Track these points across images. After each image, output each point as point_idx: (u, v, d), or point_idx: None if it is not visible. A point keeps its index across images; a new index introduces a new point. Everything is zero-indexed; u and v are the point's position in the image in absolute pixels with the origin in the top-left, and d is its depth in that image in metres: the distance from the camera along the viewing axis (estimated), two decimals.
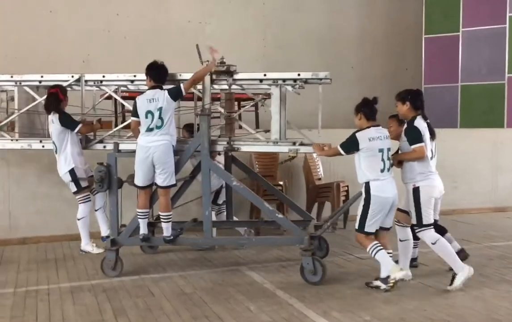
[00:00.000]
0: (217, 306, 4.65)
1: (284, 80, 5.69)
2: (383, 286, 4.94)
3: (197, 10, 10.83)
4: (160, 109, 5.35)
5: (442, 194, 5.27)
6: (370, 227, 4.97)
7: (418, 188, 5.07)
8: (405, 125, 5.19)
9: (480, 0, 11.54)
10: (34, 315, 4.51)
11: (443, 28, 12.00)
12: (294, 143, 5.66)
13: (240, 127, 6.14)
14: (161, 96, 5.39)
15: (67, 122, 5.83)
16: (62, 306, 4.71)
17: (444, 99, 11.72)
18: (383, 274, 4.95)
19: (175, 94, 5.47)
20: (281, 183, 7.44)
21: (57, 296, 4.96)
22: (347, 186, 7.75)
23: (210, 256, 6.36)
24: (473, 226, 8.24)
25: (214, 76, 5.70)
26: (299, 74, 5.65)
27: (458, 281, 4.95)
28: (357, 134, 5.05)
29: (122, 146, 5.78)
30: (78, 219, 6.11)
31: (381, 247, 4.95)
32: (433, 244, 5.07)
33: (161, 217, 5.59)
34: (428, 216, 5.06)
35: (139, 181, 5.50)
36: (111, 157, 5.64)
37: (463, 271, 4.95)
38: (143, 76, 5.72)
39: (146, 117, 5.37)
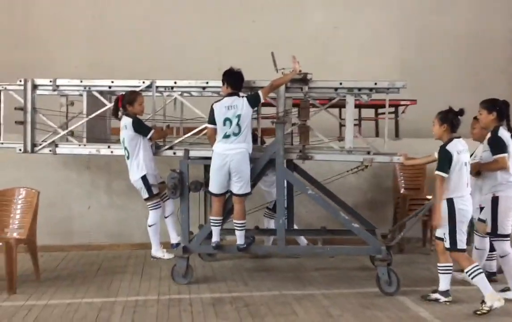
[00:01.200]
0: None
1: (359, 89, 5.77)
2: (442, 299, 4.89)
3: (331, 15, 10.43)
4: (238, 116, 5.23)
5: None
6: (462, 242, 4.78)
7: (497, 197, 5.06)
8: (489, 135, 5.16)
9: None
10: None
11: None
12: (368, 153, 5.61)
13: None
14: (240, 103, 5.27)
15: (140, 128, 5.64)
16: (205, 318, 4.56)
17: None
18: (443, 287, 4.92)
19: (254, 101, 5.36)
20: (429, 197, 6.77)
21: (199, 308, 4.82)
22: None
23: (353, 274, 5.92)
24: None
25: (289, 84, 5.61)
26: (375, 83, 5.79)
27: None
28: (447, 147, 4.84)
29: (192, 153, 5.70)
30: (149, 226, 5.82)
31: (482, 270, 4.77)
32: (501, 257, 5.06)
33: (235, 224, 5.48)
34: (505, 227, 5.04)
35: (214, 188, 5.36)
36: (183, 164, 5.57)
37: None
38: (217, 82, 5.68)
39: (224, 124, 5.26)
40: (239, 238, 5.48)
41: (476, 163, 5.22)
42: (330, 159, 5.94)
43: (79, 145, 6.02)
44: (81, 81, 6.03)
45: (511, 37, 11.01)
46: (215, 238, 5.47)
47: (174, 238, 5.95)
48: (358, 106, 8.91)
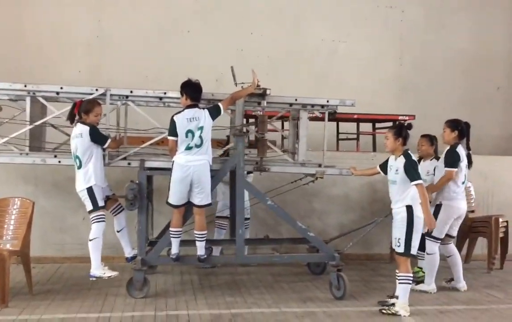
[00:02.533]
0: None
1: (312, 105, 5.96)
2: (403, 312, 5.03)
3: (332, 30, 10.41)
4: (201, 128, 5.23)
5: (463, 216, 5.94)
6: (414, 249, 5.07)
7: (441, 205, 5.76)
8: (448, 148, 5.81)
9: None
10: None
11: None
12: (320, 165, 5.85)
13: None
14: (202, 115, 5.27)
15: (98, 137, 5.32)
16: None
17: None
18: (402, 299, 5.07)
19: (215, 113, 5.36)
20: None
21: None
22: (507, 222, 6.82)
23: (352, 290, 5.80)
24: None
25: (247, 98, 5.65)
26: (328, 101, 6.04)
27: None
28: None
29: (148, 164, 5.57)
30: (90, 240, 5.38)
31: (411, 282, 5.19)
32: (428, 254, 5.78)
33: (196, 235, 5.44)
34: (441, 232, 5.73)
35: (174, 199, 5.30)
36: (141, 175, 5.45)
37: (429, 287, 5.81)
38: (174, 93, 5.65)
39: (186, 136, 5.22)
40: (200, 249, 5.45)
41: (430, 186, 5.80)
42: (284, 171, 6.07)
43: (21, 154, 5.59)
44: (25, 86, 5.63)
45: (507, 55, 11.07)
46: (174, 250, 5.40)
47: (129, 252, 5.72)
48: (357, 120, 8.95)
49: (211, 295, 5.60)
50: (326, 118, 6.16)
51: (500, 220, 6.71)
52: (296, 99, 5.88)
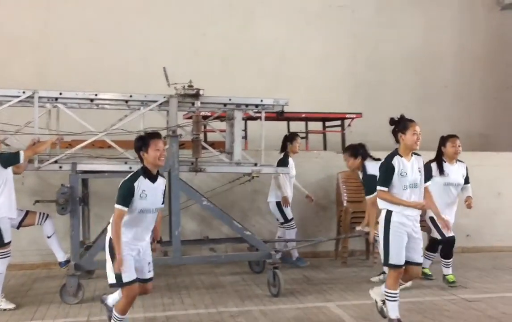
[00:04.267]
0: None
1: (246, 105, 5.96)
2: None
3: (285, 28, 10.47)
4: None
5: None
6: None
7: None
8: (361, 175, 5.94)
9: None
10: None
11: None
12: (255, 165, 5.89)
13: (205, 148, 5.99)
14: None
15: (8, 160, 5.01)
16: None
17: None
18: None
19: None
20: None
21: None
22: None
23: (293, 288, 5.83)
24: None
25: (180, 99, 5.65)
26: (261, 100, 6.00)
27: None
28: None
29: (81, 167, 5.42)
30: None
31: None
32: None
33: None
34: None
35: None
36: (74, 178, 5.33)
37: None
38: (105, 95, 5.63)
39: None
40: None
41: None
42: (220, 171, 6.13)
43: None
44: None
45: (455, 53, 11.31)
46: None
47: (62, 256, 5.63)
48: (306, 119, 9.01)
49: (148, 297, 5.50)
50: (263, 118, 6.15)
51: None
52: (230, 99, 5.87)
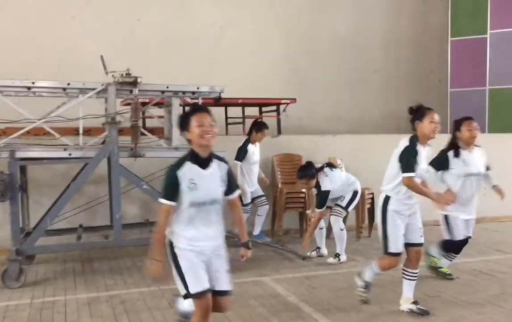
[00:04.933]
0: (238, 320, 4.45)
1: (184, 92, 6.18)
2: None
3: (219, 14, 10.68)
4: None
5: None
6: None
7: None
8: (317, 190, 6.13)
9: (509, 2, 11.17)
10: None
11: (470, 31, 11.65)
12: None
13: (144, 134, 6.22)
14: None
15: None
16: (78, 318, 4.57)
17: (472, 103, 11.34)
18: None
19: None
20: (304, 190, 7.21)
21: (74, 308, 4.82)
22: (372, 194, 7.48)
23: (232, 265, 6.15)
24: (504, 234, 7.96)
25: (118, 86, 5.81)
26: (198, 88, 6.23)
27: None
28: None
29: (19, 154, 5.53)
30: None
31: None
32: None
33: None
34: None
35: None
36: (12, 165, 5.45)
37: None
38: (42, 83, 5.77)
39: None
40: None
41: None
42: (159, 156, 6.28)
43: None
44: None
45: (383, 39, 11.94)
46: None
47: None
48: (242, 104, 9.32)
49: (91, 279, 5.73)
50: (200, 103, 6.37)
51: (366, 192, 7.34)
52: (167, 87, 6.08)
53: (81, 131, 5.77)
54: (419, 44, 12.20)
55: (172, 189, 3.21)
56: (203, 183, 3.23)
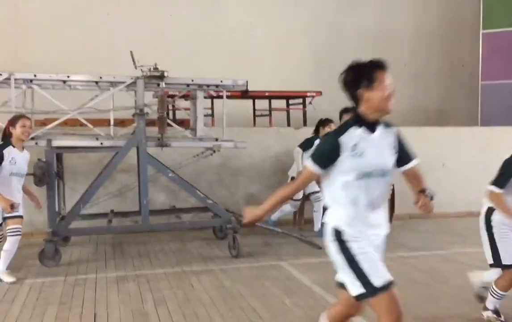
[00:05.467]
0: (253, 299, 4.74)
1: (208, 85, 6.46)
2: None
3: (247, 11, 10.96)
4: None
5: None
6: None
7: None
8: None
9: None
10: (81, 301, 4.77)
11: (502, 23, 11.56)
12: (216, 140, 6.46)
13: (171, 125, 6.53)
14: None
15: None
16: (107, 294, 4.96)
17: (503, 97, 11.29)
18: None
19: None
20: None
21: (103, 285, 5.22)
22: (393, 185, 7.62)
23: (252, 250, 6.47)
24: None
25: (147, 80, 6.11)
26: (221, 81, 6.45)
27: None
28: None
29: (55, 143, 5.93)
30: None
31: None
32: None
33: None
34: None
35: None
36: (49, 153, 5.86)
37: None
38: (77, 77, 6.13)
39: None
40: None
41: None
42: (184, 146, 6.58)
43: None
44: None
45: (411, 33, 11.97)
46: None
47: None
48: (269, 97, 9.58)
49: (121, 261, 6.14)
50: (225, 96, 6.68)
51: None
52: (192, 80, 6.37)
53: (112, 122, 6.16)
54: (450, 38, 12.17)
55: (327, 155, 2.78)
56: (368, 148, 2.75)
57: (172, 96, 7.12)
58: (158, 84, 6.18)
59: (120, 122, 6.72)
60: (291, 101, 9.87)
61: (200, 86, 6.38)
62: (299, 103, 9.74)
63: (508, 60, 11.36)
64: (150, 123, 6.49)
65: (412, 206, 2.98)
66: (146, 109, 6.10)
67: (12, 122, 5.36)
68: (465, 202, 8.80)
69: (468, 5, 12.20)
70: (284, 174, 8.21)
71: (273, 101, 9.64)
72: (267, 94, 9.30)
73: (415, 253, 6.35)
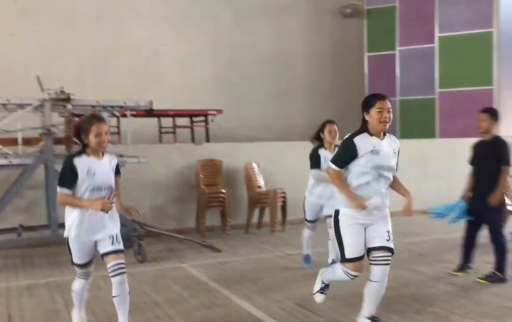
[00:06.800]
0: (155, 294, 5.38)
1: (112, 106, 7.06)
2: None
3: (151, 30, 11.55)
4: None
5: None
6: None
7: None
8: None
9: (413, 21, 12.64)
10: None
11: (383, 47, 13.08)
12: (121, 156, 6.76)
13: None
14: None
15: None
16: (19, 299, 5.39)
17: None
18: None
19: None
20: (223, 190, 8.23)
21: (15, 292, 5.63)
22: (285, 193, 8.58)
23: (156, 256, 7.10)
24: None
25: (53, 102, 6.59)
26: (125, 102, 7.07)
27: None
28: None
29: None
30: None
31: None
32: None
33: None
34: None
35: None
36: None
37: None
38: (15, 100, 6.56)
39: None
40: None
41: None
42: None
43: None
44: None
45: (306, 55, 13.12)
46: None
47: None
48: (173, 115, 10.27)
49: (31, 271, 6.53)
50: (129, 116, 7.31)
51: (279, 191, 8.43)
52: (97, 102, 6.94)
53: (19, 141, 6.56)
54: (340, 59, 13.46)
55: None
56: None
57: (79, 116, 7.58)
58: (65, 106, 6.66)
59: (27, 141, 7.09)
60: (194, 119, 10.62)
61: (104, 107, 6.94)
62: (202, 121, 10.49)
63: (388, 79, 12.87)
64: (58, 141, 6.94)
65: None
66: (53, 129, 6.55)
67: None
68: None
69: (354, 30, 13.59)
70: (186, 187, 8.91)
71: (178, 118, 10.33)
72: (171, 112, 9.97)
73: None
